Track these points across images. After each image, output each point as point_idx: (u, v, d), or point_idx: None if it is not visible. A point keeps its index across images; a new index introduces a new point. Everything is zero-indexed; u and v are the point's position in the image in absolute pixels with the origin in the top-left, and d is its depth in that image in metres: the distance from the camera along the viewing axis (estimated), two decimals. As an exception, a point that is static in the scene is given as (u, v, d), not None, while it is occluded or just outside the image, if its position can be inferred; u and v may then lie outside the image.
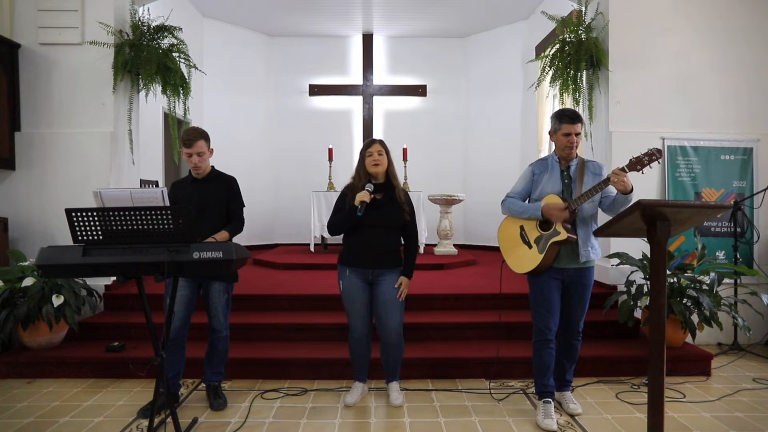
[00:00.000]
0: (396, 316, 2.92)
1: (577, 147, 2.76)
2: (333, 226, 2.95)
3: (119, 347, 3.55)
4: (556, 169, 2.81)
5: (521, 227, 2.82)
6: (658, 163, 2.51)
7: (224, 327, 2.97)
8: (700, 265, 3.76)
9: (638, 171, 2.51)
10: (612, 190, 2.69)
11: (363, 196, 2.79)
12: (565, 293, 2.81)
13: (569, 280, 2.78)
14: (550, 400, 2.85)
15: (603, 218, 2.84)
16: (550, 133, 2.87)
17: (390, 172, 2.96)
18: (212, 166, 3.02)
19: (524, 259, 2.78)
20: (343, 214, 2.88)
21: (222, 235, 2.82)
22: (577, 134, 2.74)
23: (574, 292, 2.80)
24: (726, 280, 3.83)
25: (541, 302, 2.80)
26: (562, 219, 2.65)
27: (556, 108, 5.60)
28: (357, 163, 3.00)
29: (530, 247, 2.77)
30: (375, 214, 2.84)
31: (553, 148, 2.90)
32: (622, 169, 2.50)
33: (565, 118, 2.76)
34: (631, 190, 2.54)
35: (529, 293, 2.87)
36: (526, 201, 2.89)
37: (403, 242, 3.02)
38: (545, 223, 2.73)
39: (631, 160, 2.53)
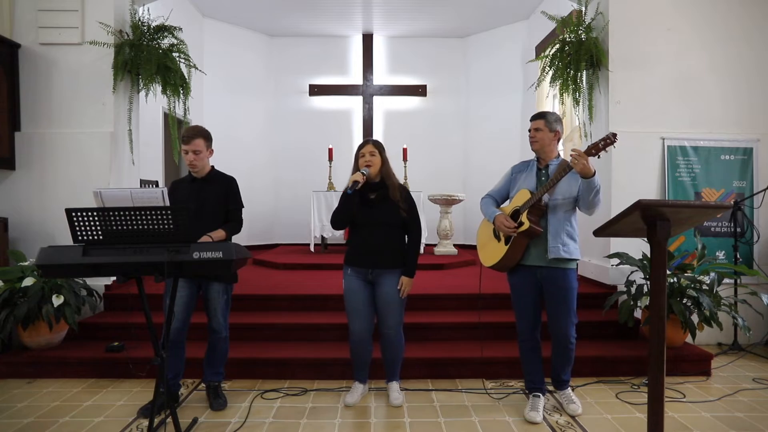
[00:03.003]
0: (396, 316, 2.93)
1: (541, 144, 2.81)
2: (333, 217, 2.94)
3: (119, 347, 3.55)
4: (534, 167, 2.87)
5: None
6: (614, 147, 2.56)
7: (224, 327, 2.97)
8: (700, 265, 3.76)
9: (594, 155, 2.55)
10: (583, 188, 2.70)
11: (356, 176, 2.82)
12: (544, 296, 2.82)
13: (544, 282, 2.77)
14: (539, 395, 2.89)
15: (586, 219, 2.86)
16: None
17: (384, 171, 2.96)
18: (212, 166, 3.02)
19: (492, 253, 2.87)
20: (340, 201, 2.89)
21: (218, 234, 2.82)
22: (537, 130, 2.82)
23: (551, 296, 2.77)
24: (726, 280, 3.83)
25: (517, 303, 2.89)
26: (506, 233, 2.74)
27: (557, 108, 5.62)
28: (353, 164, 3.02)
29: (499, 240, 2.85)
30: (369, 213, 2.87)
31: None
32: (579, 153, 2.52)
33: (531, 117, 2.90)
34: (593, 174, 2.56)
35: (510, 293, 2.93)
36: (506, 200, 2.96)
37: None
38: (514, 216, 2.78)
39: (588, 146, 2.57)
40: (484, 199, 3.00)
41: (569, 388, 2.99)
